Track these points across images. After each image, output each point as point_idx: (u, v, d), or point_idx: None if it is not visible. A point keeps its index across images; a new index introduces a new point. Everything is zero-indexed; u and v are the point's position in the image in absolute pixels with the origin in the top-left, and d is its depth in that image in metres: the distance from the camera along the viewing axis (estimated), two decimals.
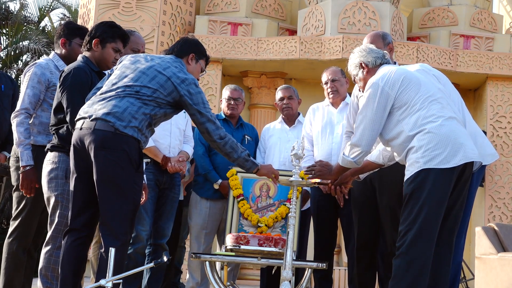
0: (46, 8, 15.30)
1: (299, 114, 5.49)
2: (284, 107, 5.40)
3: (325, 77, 5.08)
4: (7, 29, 14.04)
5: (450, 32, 9.61)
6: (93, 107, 3.60)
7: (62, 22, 4.38)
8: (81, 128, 3.58)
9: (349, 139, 4.44)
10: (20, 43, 14.04)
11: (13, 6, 16.74)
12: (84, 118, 3.59)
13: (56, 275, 3.81)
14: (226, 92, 5.43)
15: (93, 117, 3.54)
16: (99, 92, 3.72)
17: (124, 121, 3.54)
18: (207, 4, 9.90)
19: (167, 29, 9.25)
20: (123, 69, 3.74)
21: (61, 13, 15.82)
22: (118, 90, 3.63)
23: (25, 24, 14.72)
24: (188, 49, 3.92)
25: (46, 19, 15.38)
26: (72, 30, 4.48)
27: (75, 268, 3.58)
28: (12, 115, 4.32)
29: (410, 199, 3.56)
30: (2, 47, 11.97)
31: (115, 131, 3.52)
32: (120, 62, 3.85)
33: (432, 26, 9.93)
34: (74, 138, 3.63)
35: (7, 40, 13.86)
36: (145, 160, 4.62)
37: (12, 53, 13.67)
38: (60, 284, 3.57)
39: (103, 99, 3.63)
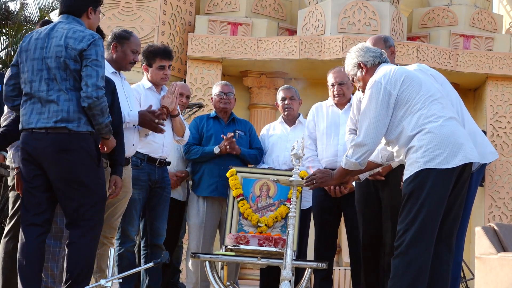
0: (47, 9, 15.28)
1: (299, 114, 5.49)
2: (286, 107, 5.40)
3: (331, 79, 5.04)
4: (7, 29, 14.02)
5: (450, 32, 9.61)
6: (36, 117, 3.57)
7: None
8: (31, 133, 3.57)
9: (352, 135, 4.45)
10: (21, 43, 14.02)
11: (14, 6, 16.77)
12: (30, 129, 3.58)
13: (50, 273, 3.90)
14: (217, 88, 5.42)
15: (42, 125, 3.54)
16: (27, 98, 3.64)
17: (74, 121, 3.54)
18: (207, 4, 9.89)
19: (167, 29, 9.25)
20: (31, 64, 3.67)
21: None
22: (45, 90, 3.58)
23: (25, 24, 14.70)
24: (84, 3, 3.79)
25: (47, 19, 15.37)
26: None
27: (40, 264, 3.62)
28: (2, 119, 4.32)
29: (410, 198, 3.56)
30: (2, 47, 11.96)
31: (70, 132, 3.53)
32: (21, 59, 3.74)
33: (432, 26, 9.93)
34: (25, 145, 3.60)
35: (7, 40, 13.86)
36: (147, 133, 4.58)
37: (12, 53, 13.66)
38: (24, 281, 3.55)
39: (40, 104, 3.58)
